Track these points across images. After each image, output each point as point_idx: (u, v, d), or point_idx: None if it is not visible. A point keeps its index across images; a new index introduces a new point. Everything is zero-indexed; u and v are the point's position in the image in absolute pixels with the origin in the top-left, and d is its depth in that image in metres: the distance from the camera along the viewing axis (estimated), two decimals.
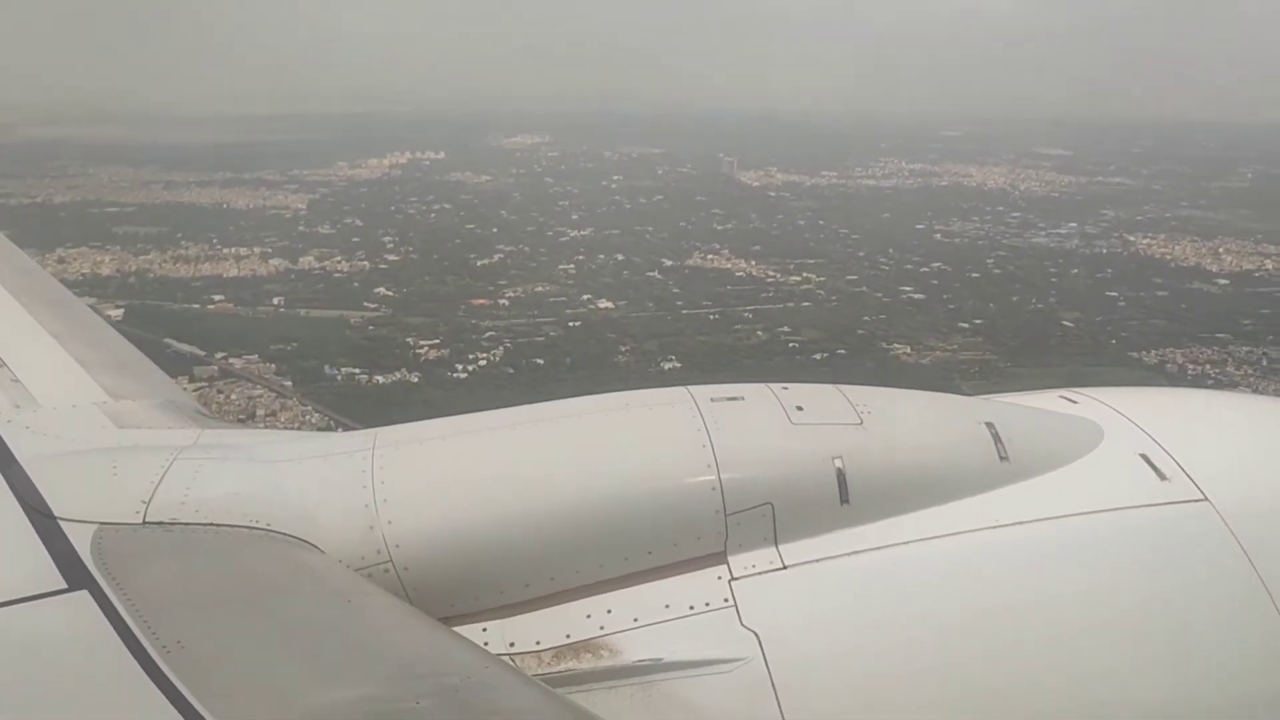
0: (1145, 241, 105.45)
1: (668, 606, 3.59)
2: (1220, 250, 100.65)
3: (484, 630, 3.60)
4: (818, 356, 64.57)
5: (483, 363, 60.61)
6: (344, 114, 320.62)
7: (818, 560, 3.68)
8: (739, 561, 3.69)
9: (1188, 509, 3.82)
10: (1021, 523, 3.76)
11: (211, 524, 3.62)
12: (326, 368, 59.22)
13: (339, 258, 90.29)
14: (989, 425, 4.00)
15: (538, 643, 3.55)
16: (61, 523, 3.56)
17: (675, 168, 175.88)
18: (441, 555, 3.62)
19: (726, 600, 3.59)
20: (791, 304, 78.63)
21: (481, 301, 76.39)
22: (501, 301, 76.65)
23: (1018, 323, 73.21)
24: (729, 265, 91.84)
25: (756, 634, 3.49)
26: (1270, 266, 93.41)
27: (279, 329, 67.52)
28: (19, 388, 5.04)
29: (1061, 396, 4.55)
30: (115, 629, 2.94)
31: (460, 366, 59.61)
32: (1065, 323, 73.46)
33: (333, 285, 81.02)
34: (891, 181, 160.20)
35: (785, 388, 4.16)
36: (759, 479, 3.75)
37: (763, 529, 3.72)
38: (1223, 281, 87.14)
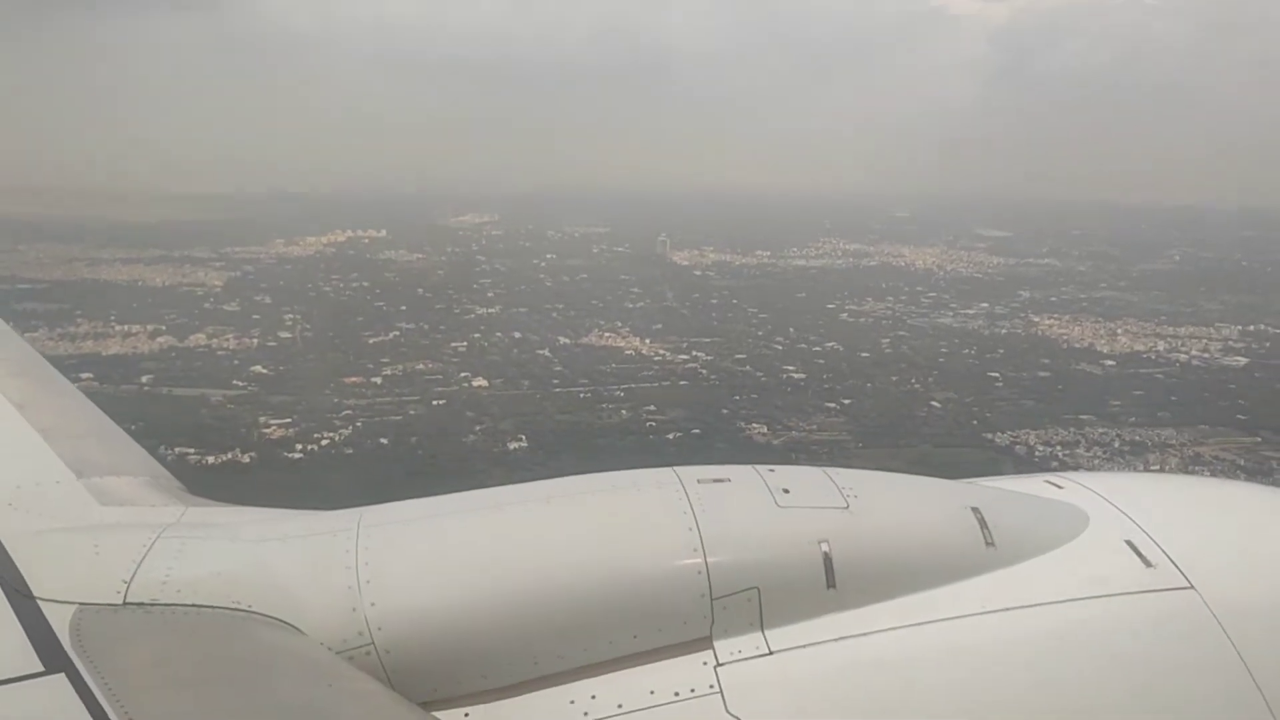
0: (1048, 322, 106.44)
1: (653, 693, 3.54)
2: (1119, 331, 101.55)
3: (466, 716, 3.57)
4: (670, 436, 64.17)
5: (324, 442, 59.78)
6: (293, 192, 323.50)
7: (804, 646, 3.65)
8: (725, 647, 3.66)
9: (1174, 597, 3.79)
10: (1008, 609, 3.74)
11: (193, 605, 3.56)
12: (162, 448, 58.20)
13: (230, 335, 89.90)
14: (975, 510, 4.01)
15: None
16: (40, 603, 3.50)
17: (612, 247, 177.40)
18: (425, 638, 3.57)
19: (712, 687, 3.55)
20: (669, 383, 78.43)
21: (354, 379, 75.84)
22: (375, 380, 76.17)
23: (885, 404, 73.09)
24: (623, 344, 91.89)
25: None
26: (1162, 348, 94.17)
27: (132, 408, 66.46)
28: None
29: (1047, 481, 4.57)
30: (91, 714, 2.87)
31: (300, 446, 58.77)
32: (934, 403, 73.37)
33: (211, 363, 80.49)
34: (822, 261, 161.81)
35: (772, 470, 4.14)
36: (745, 562, 3.73)
37: (749, 614, 3.68)
38: (1109, 363, 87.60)
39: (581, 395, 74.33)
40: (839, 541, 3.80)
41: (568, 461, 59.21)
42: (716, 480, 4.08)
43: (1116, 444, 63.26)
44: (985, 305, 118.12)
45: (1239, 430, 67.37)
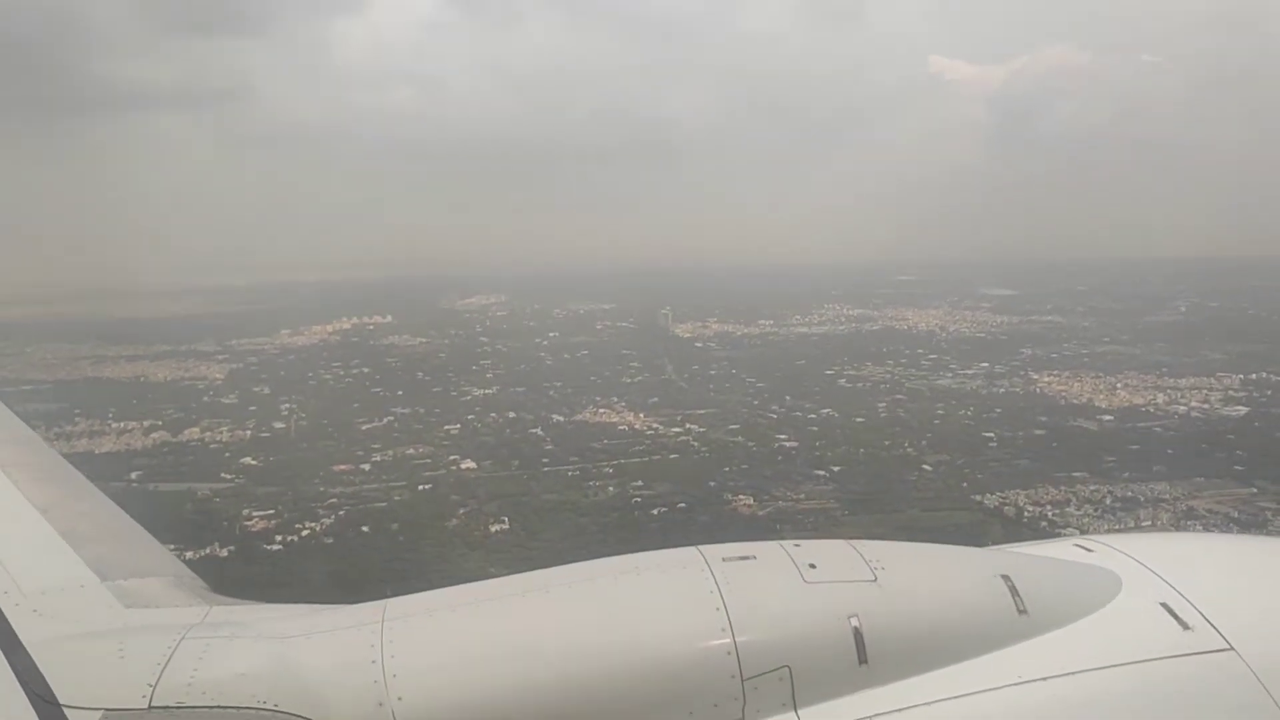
0: (1047, 379, 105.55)
1: None
2: (1119, 386, 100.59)
3: None
4: (655, 511, 63.58)
5: (305, 533, 59.52)
6: (305, 282, 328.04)
7: None
8: None
9: (1214, 659, 3.70)
10: (1044, 679, 3.66)
11: (219, 706, 3.56)
12: None
13: (224, 428, 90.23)
14: (1005, 578, 3.97)
15: None
16: (67, 710, 3.51)
17: (617, 322, 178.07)
18: None
19: None
20: (659, 456, 77.99)
21: (343, 467, 75.75)
22: (364, 466, 76.05)
23: (876, 469, 72.34)
24: (617, 419, 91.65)
25: None
26: (1162, 400, 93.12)
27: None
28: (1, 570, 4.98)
29: (1076, 545, 4.52)
30: None
31: (280, 537, 58.50)
32: (925, 466, 72.51)
33: (203, 457, 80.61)
34: (824, 328, 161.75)
35: (797, 545, 4.13)
36: (775, 641, 3.69)
37: (781, 693, 3.62)
38: (1107, 418, 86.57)
39: (570, 473, 73.95)
40: (869, 616, 3.73)
41: (549, 542, 58.75)
42: (742, 558, 4.03)
43: (1108, 500, 62.22)
44: (985, 365, 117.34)
45: (1235, 482, 66.19)
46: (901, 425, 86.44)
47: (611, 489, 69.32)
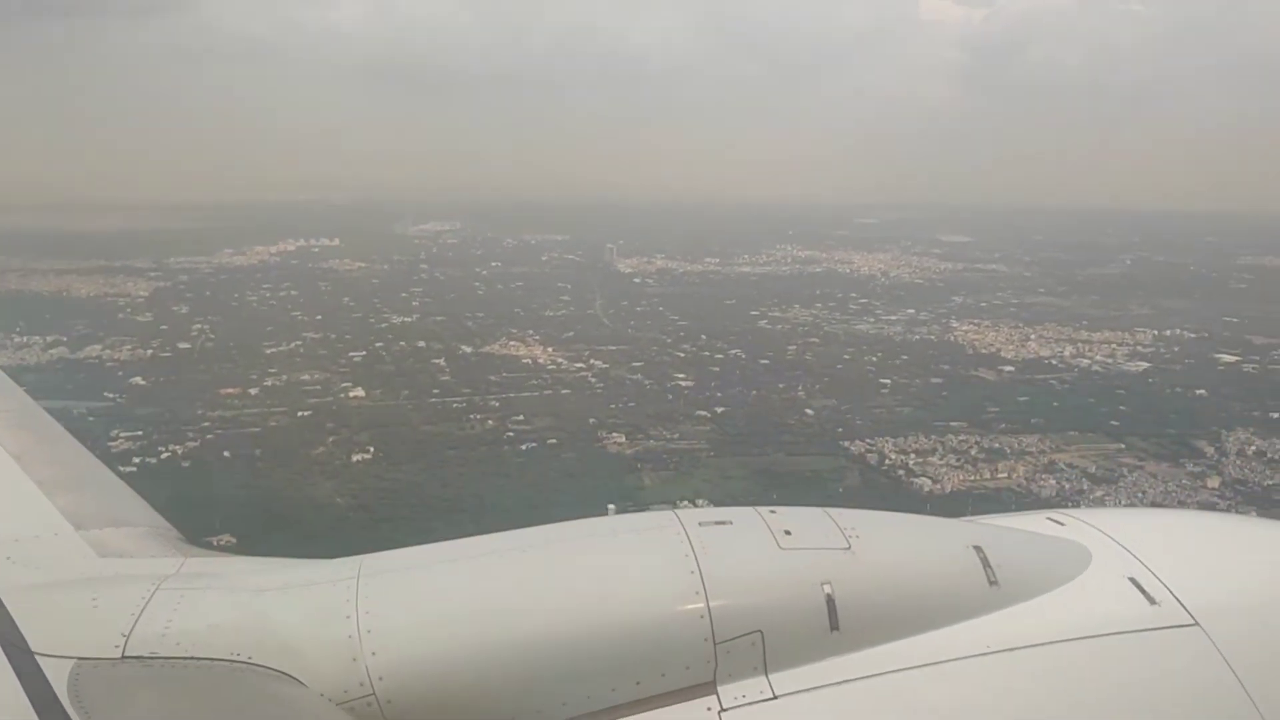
0: (965, 328, 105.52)
1: None
2: (1032, 337, 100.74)
3: None
4: (524, 446, 63.49)
5: (165, 455, 59.19)
6: (265, 201, 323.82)
7: (808, 690, 3.61)
8: (729, 692, 3.62)
9: (1179, 634, 3.80)
10: (1012, 649, 3.73)
11: (193, 657, 3.54)
12: None
13: (128, 347, 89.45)
14: (977, 549, 4.00)
15: None
16: (39, 658, 3.49)
17: (564, 254, 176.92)
18: (426, 688, 3.53)
19: None
20: (551, 391, 77.84)
21: (231, 391, 75.25)
22: (252, 391, 75.55)
23: (760, 412, 72.38)
24: (524, 352, 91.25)
25: None
26: (1068, 353, 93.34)
27: None
28: None
29: (1049, 518, 4.55)
30: None
31: (139, 460, 58.01)
32: (808, 411, 72.64)
33: (95, 375, 79.90)
34: (768, 269, 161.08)
35: (773, 511, 4.11)
36: (748, 606, 3.70)
37: (752, 658, 3.65)
38: (1008, 369, 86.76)
39: (455, 405, 73.72)
40: (841, 583, 3.77)
41: (407, 474, 58.85)
42: (718, 523, 4.04)
43: (974, 451, 62.49)
44: (912, 311, 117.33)
45: (1107, 437, 66.59)
46: (804, 369, 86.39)
47: (491, 423, 69.16)
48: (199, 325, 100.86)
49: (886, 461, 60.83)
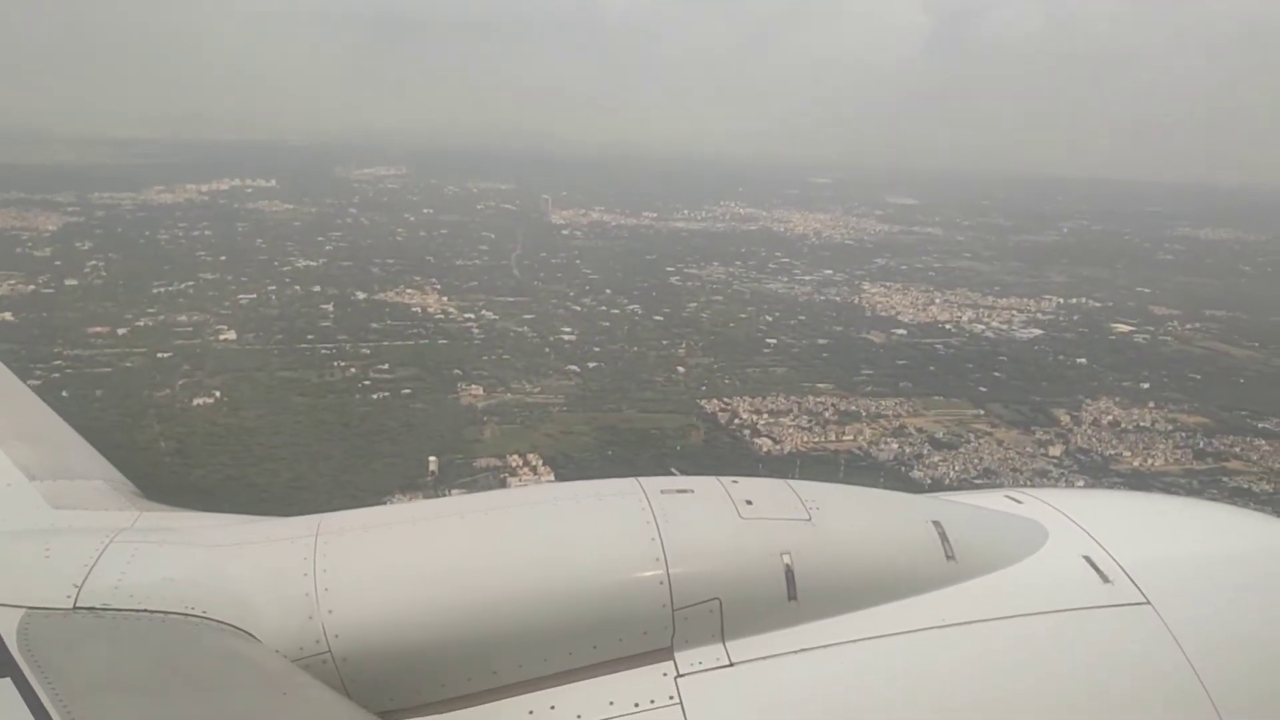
0: (874, 291, 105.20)
1: (612, 703, 3.53)
2: (937, 301, 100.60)
3: None
4: (375, 396, 62.72)
5: None
6: (216, 140, 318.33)
7: (765, 658, 3.65)
8: (685, 658, 3.65)
9: (1130, 612, 3.84)
10: (966, 623, 3.76)
11: (146, 610, 3.50)
12: None
13: (12, 282, 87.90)
14: (936, 524, 4.02)
15: None
16: None
17: (501, 204, 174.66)
18: (382, 647, 3.50)
19: (672, 698, 3.54)
20: (427, 341, 76.99)
21: (100, 330, 73.95)
22: (120, 331, 74.21)
23: (630, 368, 71.88)
24: (417, 300, 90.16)
25: None
26: (966, 318, 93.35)
27: None
28: None
29: (1007, 496, 4.59)
30: (37, 719, 2.85)
31: None
32: (680, 369, 72.08)
33: None
34: (703, 225, 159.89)
35: (735, 481, 4.13)
36: (707, 574, 3.70)
37: (710, 625, 3.68)
38: (900, 332, 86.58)
39: (324, 352, 72.69)
40: (801, 554, 3.79)
41: (245, 419, 57.86)
42: (680, 491, 4.04)
43: (827, 414, 62.23)
44: (830, 272, 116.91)
45: (970, 403, 66.52)
46: (695, 326, 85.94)
47: (353, 370, 68.22)
48: (95, 262, 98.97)
49: (736, 421, 60.47)
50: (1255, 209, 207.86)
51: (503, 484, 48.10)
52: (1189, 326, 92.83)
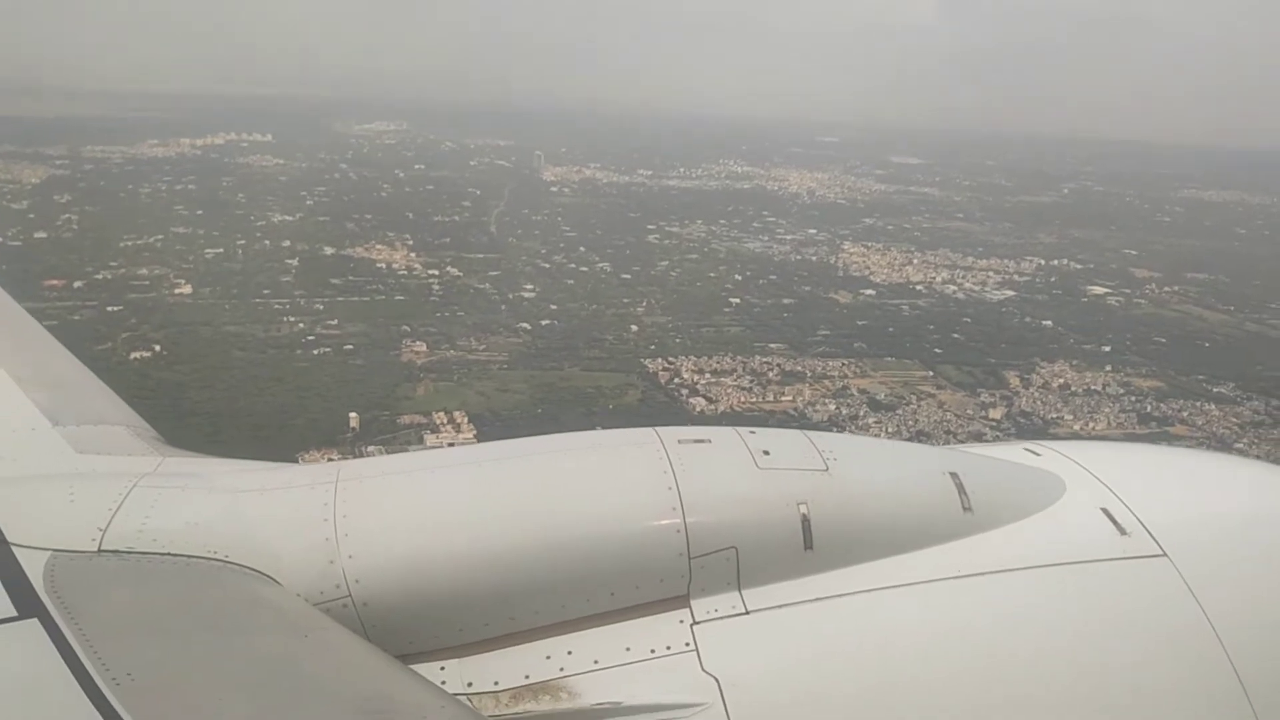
0: (853, 251, 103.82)
1: (628, 649, 3.57)
2: (914, 262, 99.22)
3: (442, 669, 3.57)
4: (316, 351, 62.42)
5: None
6: (221, 94, 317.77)
7: (780, 606, 3.68)
8: (701, 605, 3.68)
9: (1147, 564, 3.84)
10: (983, 574, 3.77)
11: (169, 554, 3.55)
12: None
13: None
14: (954, 475, 4.03)
15: (496, 683, 3.52)
16: (14, 548, 3.48)
17: (495, 160, 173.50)
18: (402, 591, 3.55)
19: (688, 644, 3.58)
20: (384, 297, 76.53)
21: (56, 282, 73.74)
22: (77, 284, 74.12)
23: (584, 326, 71.21)
24: (384, 256, 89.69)
25: (717, 679, 3.47)
26: (939, 280, 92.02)
27: None
28: None
29: (1025, 449, 4.59)
30: (64, 659, 2.88)
31: None
32: (634, 327, 71.40)
33: None
34: (697, 183, 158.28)
35: (753, 432, 4.13)
36: (724, 523, 3.73)
37: (726, 573, 3.70)
38: (868, 293, 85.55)
39: (276, 307, 72.36)
40: (817, 503, 3.80)
41: (180, 374, 57.68)
42: (697, 441, 4.04)
43: (772, 374, 61.48)
44: (813, 231, 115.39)
45: (921, 364, 65.61)
46: (659, 285, 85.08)
47: (301, 325, 67.93)
48: (69, 215, 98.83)
49: (676, 380, 59.84)
50: (1263, 169, 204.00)
51: (420, 441, 47.84)
52: (1167, 289, 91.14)
